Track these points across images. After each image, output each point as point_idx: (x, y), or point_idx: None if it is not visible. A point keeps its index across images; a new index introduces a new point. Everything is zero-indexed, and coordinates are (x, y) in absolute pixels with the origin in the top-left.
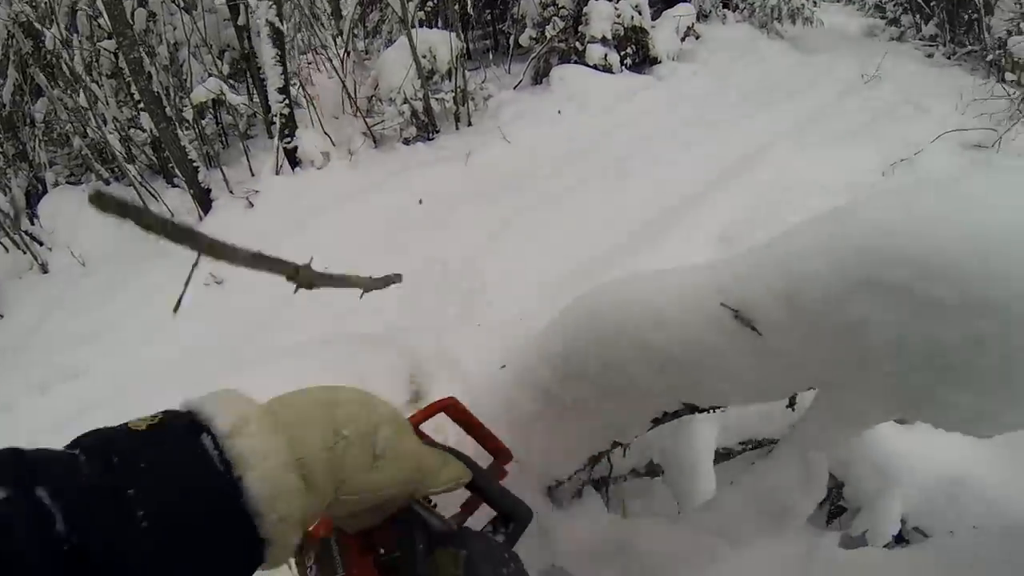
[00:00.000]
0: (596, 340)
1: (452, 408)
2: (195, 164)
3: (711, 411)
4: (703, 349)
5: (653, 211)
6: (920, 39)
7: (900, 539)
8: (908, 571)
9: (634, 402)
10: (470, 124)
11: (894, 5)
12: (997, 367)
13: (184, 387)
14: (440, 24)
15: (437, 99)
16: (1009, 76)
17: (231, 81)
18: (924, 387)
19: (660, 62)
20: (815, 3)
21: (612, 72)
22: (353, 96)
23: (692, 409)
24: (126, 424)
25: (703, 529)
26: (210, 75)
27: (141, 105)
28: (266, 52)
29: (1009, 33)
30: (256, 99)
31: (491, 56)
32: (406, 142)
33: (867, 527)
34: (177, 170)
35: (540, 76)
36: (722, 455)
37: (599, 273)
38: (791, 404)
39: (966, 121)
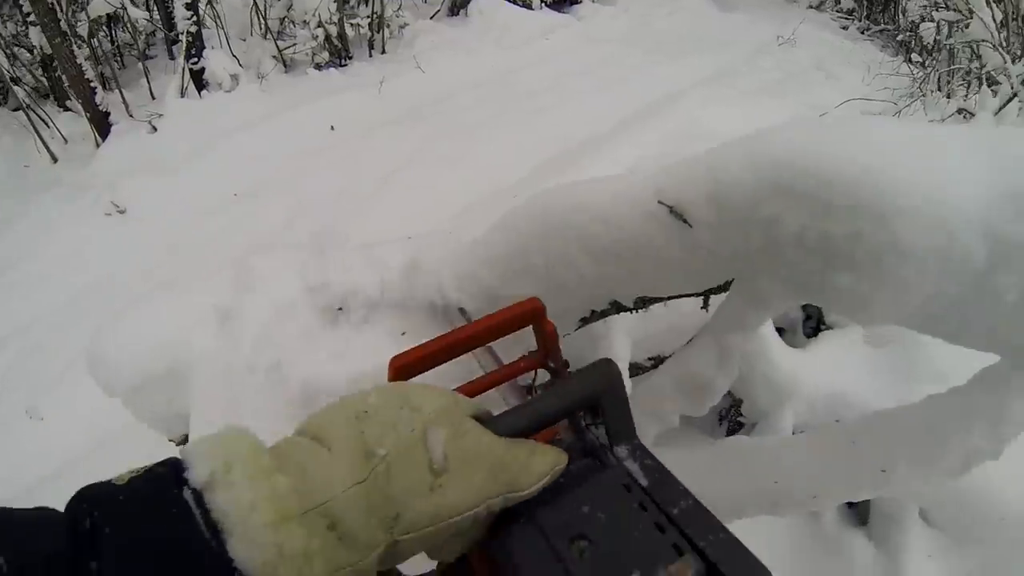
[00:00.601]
0: (543, 236)
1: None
2: (92, 84)
3: (633, 311)
4: (641, 241)
5: (562, 146)
6: (838, 11)
7: None
8: (805, 452)
9: (570, 297)
10: (384, 52)
11: None
12: (870, 255)
13: (88, 325)
14: None
15: (352, 24)
16: (915, 58)
17: None
18: (816, 271)
19: (581, 2)
20: None
21: (531, 8)
22: (263, 17)
23: (617, 308)
24: (111, 479)
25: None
26: None
27: (31, 19)
28: None
29: (922, 18)
30: (157, 15)
31: None
32: (318, 67)
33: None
34: (71, 91)
35: (458, 7)
36: (632, 369)
37: (509, 200)
38: (705, 305)
39: (871, 93)
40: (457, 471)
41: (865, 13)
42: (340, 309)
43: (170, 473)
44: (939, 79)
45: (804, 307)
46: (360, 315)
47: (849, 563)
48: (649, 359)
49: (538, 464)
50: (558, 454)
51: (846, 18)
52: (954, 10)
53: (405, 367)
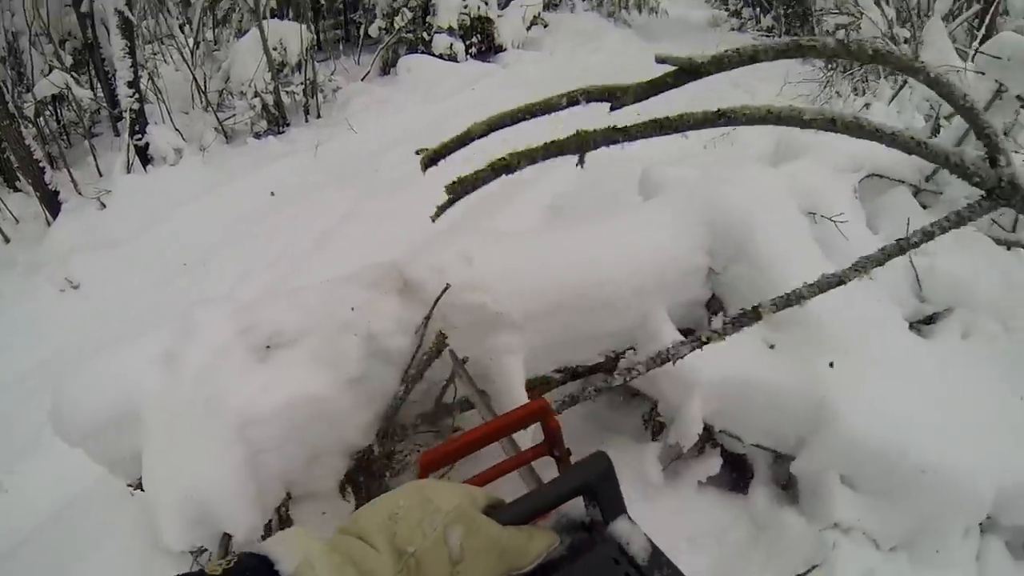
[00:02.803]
0: None
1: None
2: (41, 164)
3: None
4: None
5: (489, 189)
6: (759, 30)
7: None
8: None
9: None
10: (319, 116)
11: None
12: None
13: (48, 396)
14: (291, 14)
15: (288, 92)
16: (817, 61)
17: (73, 74)
18: None
19: (505, 50)
20: None
21: (457, 61)
22: (203, 90)
23: None
24: (203, 568)
25: None
26: (52, 68)
27: None
28: (115, 43)
29: (838, 27)
30: (100, 93)
31: (342, 47)
32: (257, 136)
33: (678, 436)
34: (20, 173)
35: (388, 66)
36: (542, 382)
37: (445, 244)
38: None
39: (785, 100)
40: (471, 560)
41: (784, 29)
42: (268, 347)
43: (262, 565)
44: (853, 80)
45: (707, 305)
46: (285, 350)
47: (779, 537)
48: (557, 371)
49: (534, 547)
50: (550, 536)
51: (767, 35)
52: (847, 14)
53: (432, 462)
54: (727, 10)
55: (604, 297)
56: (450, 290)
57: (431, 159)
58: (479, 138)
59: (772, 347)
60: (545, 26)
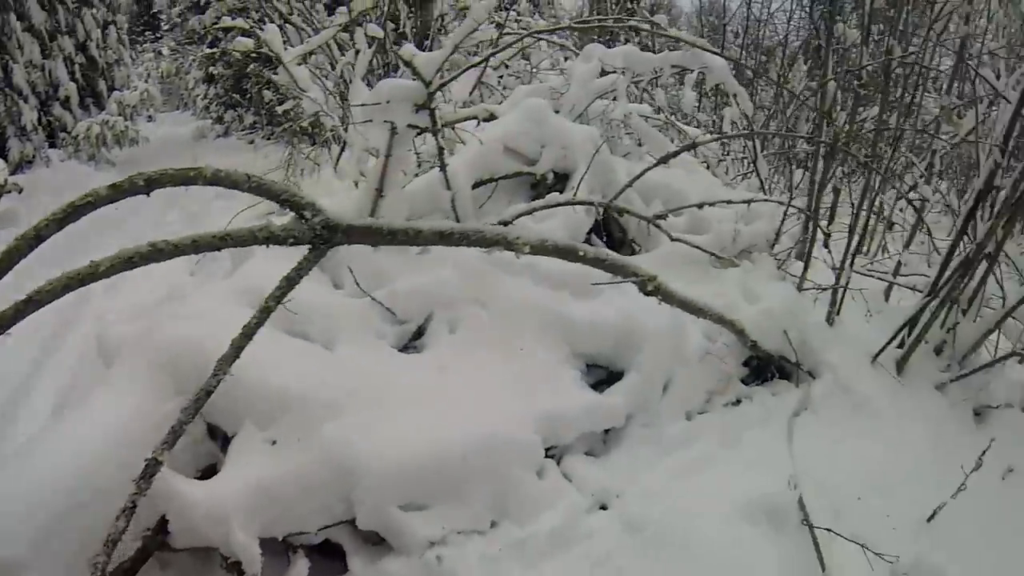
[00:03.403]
0: None
1: None
2: None
3: None
4: None
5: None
6: (243, 130)
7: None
8: None
9: None
10: None
11: (217, 105)
12: None
13: None
14: None
15: None
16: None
17: None
18: None
19: None
20: (149, 118)
21: None
22: None
23: None
24: None
25: None
26: None
27: None
28: None
29: (285, 112)
30: None
31: None
32: None
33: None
34: None
35: None
36: None
37: None
38: None
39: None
40: None
41: (266, 121)
42: None
43: None
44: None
45: (210, 434)
46: None
47: None
48: None
49: None
50: None
51: (251, 132)
52: (292, 97)
53: None
54: (211, 118)
55: (93, 483)
56: None
57: None
58: None
59: (275, 442)
60: (20, 191)
